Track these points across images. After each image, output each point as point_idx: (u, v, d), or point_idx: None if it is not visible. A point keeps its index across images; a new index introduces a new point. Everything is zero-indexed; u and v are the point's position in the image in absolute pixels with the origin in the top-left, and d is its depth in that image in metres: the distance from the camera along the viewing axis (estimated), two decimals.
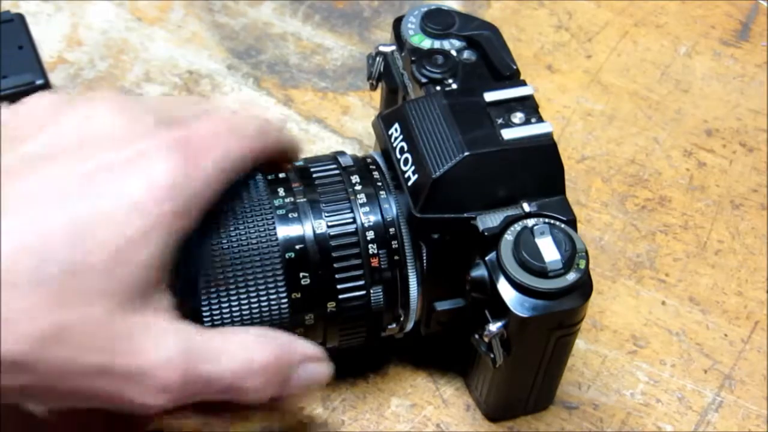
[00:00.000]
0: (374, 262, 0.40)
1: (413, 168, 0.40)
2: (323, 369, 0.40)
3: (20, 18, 0.57)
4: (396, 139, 0.41)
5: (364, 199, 0.41)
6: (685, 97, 0.58)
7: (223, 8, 0.61)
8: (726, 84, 0.58)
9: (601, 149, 0.55)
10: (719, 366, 0.48)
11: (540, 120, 0.40)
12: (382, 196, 0.41)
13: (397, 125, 0.41)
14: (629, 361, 0.48)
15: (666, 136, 0.56)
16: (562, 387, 0.46)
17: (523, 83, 0.42)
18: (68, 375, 0.33)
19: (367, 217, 0.40)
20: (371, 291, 0.40)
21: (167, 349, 0.35)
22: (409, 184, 0.40)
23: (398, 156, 0.41)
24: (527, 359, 0.41)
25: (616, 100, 0.57)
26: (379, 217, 0.40)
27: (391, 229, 0.40)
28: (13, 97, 0.54)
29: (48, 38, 0.58)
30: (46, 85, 0.55)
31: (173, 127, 0.37)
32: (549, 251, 0.38)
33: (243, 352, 0.38)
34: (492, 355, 0.40)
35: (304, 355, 0.40)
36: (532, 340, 0.40)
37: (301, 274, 0.39)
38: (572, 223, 0.40)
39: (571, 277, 0.39)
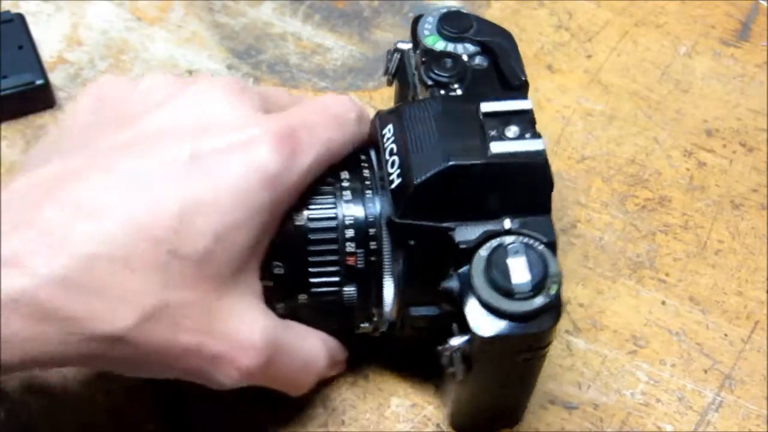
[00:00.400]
0: (351, 260, 0.40)
1: (399, 171, 0.39)
2: (342, 369, 0.45)
3: (20, 18, 0.57)
4: (388, 139, 0.40)
5: (350, 196, 0.40)
6: (685, 97, 0.58)
7: (223, 8, 0.61)
8: (726, 84, 0.58)
9: (601, 149, 0.55)
10: (719, 366, 0.48)
11: (534, 136, 0.39)
12: (368, 195, 0.40)
13: (391, 126, 0.41)
14: (629, 361, 0.48)
15: (666, 136, 0.56)
16: (561, 387, 0.46)
17: (524, 97, 0.41)
18: (162, 352, 0.35)
19: (350, 214, 0.40)
20: (344, 288, 0.40)
21: (254, 338, 0.37)
22: (393, 187, 0.39)
23: (387, 157, 0.40)
24: (489, 378, 0.40)
25: (616, 100, 0.57)
26: (362, 216, 0.40)
27: (372, 230, 0.40)
28: (14, 97, 0.54)
29: (48, 38, 0.58)
30: (46, 85, 0.55)
31: (280, 117, 0.38)
32: (519, 272, 0.37)
33: (310, 354, 0.41)
34: (452, 370, 0.39)
35: (340, 363, 0.44)
36: (494, 359, 0.39)
37: (275, 263, 0.39)
38: (552, 245, 0.39)
39: (539, 301, 0.37)
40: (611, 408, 0.46)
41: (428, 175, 0.38)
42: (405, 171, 0.39)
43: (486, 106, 0.39)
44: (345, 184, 0.40)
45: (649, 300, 0.50)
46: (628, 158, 0.55)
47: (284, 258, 0.39)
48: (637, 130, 0.56)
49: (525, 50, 0.59)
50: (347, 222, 0.40)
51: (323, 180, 0.40)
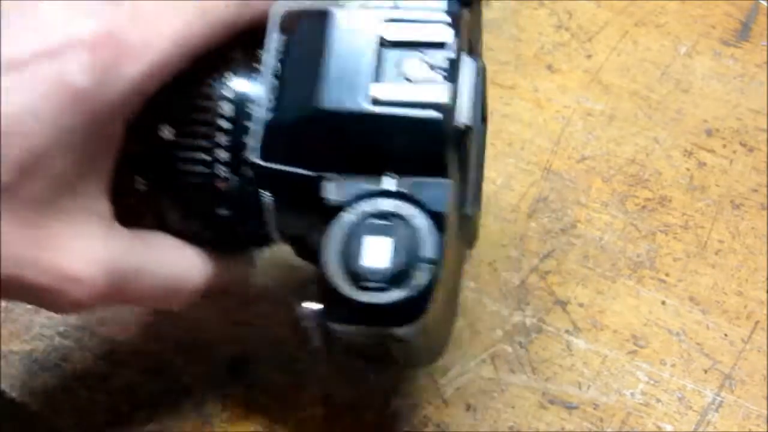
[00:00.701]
0: (221, 185, 0.34)
1: (274, 103, 0.33)
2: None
3: None
4: (273, 53, 0.33)
5: (231, 109, 0.34)
6: (685, 97, 0.58)
7: None
8: (726, 84, 0.58)
9: (601, 149, 0.55)
10: (719, 366, 0.48)
11: (446, 80, 0.31)
12: (254, 107, 0.34)
13: (282, 37, 0.33)
14: (629, 361, 0.48)
15: (666, 136, 0.56)
16: (561, 387, 0.46)
17: (450, 21, 0.32)
18: None
19: (225, 134, 0.34)
20: (218, 211, 0.35)
21: (87, 268, 0.33)
22: (265, 120, 0.33)
23: (270, 77, 0.33)
24: (356, 347, 0.35)
25: (616, 100, 0.57)
26: (238, 138, 0.34)
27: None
28: None
29: None
30: None
31: (108, 12, 0.32)
32: (378, 255, 0.30)
33: (176, 272, 0.36)
34: (310, 335, 0.33)
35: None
36: (353, 340, 0.33)
37: (137, 178, 0.35)
38: (439, 217, 0.31)
39: (394, 295, 0.30)
40: (611, 408, 0.46)
41: (294, 117, 0.32)
42: (276, 105, 0.33)
43: (392, 31, 0.32)
44: (224, 91, 0.34)
45: (649, 300, 0.50)
46: (628, 158, 0.55)
47: (145, 174, 0.35)
48: (637, 130, 0.56)
49: (525, 50, 0.59)
50: (220, 141, 0.34)
51: (199, 77, 0.34)
